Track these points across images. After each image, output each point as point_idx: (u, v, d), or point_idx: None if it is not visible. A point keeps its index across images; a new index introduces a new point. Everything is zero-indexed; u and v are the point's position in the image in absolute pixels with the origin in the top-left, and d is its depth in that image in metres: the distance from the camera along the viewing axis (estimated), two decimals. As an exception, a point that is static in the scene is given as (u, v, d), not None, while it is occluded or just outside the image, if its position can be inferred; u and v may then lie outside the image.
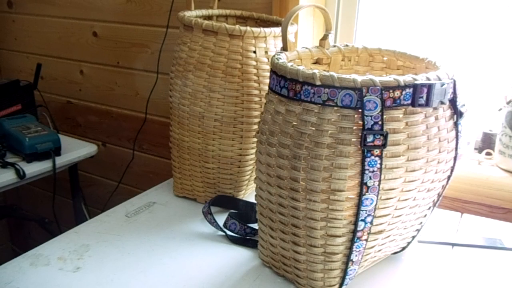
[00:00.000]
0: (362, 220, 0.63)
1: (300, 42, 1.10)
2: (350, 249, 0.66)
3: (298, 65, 0.64)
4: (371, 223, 0.64)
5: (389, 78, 0.58)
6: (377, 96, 0.58)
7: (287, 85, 0.64)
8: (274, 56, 0.69)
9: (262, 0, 1.13)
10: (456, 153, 0.69)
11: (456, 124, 0.67)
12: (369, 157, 0.60)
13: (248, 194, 1.01)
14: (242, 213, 0.91)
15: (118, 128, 1.54)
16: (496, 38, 1.03)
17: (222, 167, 0.94)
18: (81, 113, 1.62)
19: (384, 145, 0.60)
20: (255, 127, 0.91)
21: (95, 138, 1.60)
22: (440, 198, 0.73)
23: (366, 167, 0.60)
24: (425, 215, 0.74)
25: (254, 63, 0.88)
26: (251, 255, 0.81)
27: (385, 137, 0.59)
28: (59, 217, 1.33)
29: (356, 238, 0.65)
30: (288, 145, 0.64)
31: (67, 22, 1.54)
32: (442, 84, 0.61)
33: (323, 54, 0.81)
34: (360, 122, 0.59)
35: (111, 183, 1.61)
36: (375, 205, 0.63)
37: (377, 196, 0.62)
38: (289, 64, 0.64)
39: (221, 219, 0.87)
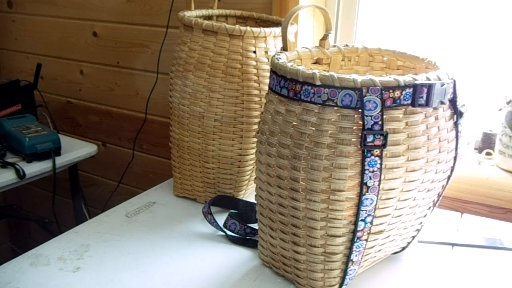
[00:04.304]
0: (362, 220, 0.63)
1: (300, 42, 1.10)
2: (350, 249, 0.66)
3: (298, 65, 0.64)
4: (371, 223, 0.64)
5: (389, 78, 0.58)
6: (377, 96, 0.58)
7: (287, 85, 0.64)
8: (274, 56, 0.69)
9: (262, 0, 1.13)
10: (456, 153, 0.69)
11: (456, 124, 0.67)
12: (369, 157, 0.60)
13: (248, 194, 1.01)
14: (242, 213, 0.91)
15: (118, 128, 1.54)
16: (496, 38, 1.03)
17: (222, 167, 0.94)
18: (81, 113, 1.62)
19: (384, 145, 0.60)
20: (255, 127, 0.91)
21: (95, 138, 1.60)
22: (440, 198, 0.73)
23: (366, 167, 0.60)
24: (425, 215, 0.74)
25: (254, 63, 0.88)
26: (251, 255, 0.81)
27: (385, 137, 0.59)
28: (59, 217, 1.33)
29: (356, 238, 0.65)
30: (288, 145, 0.64)
31: (67, 22, 1.54)
32: (442, 84, 0.61)
33: (323, 54, 0.81)
34: (360, 122, 0.59)
35: (111, 183, 1.61)
36: (375, 205, 0.63)
37: (377, 196, 0.62)
38: (289, 64, 0.64)
39: (221, 219, 0.87)
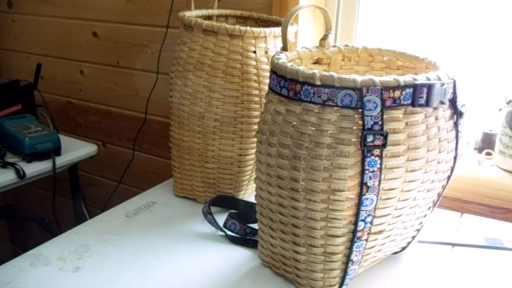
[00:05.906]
0: (362, 220, 0.63)
1: (300, 42, 1.10)
2: (350, 249, 0.66)
3: (298, 65, 0.64)
4: (371, 223, 0.64)
5: (389, 78, 0.58)
6: (377, 96, 0.58)
7: (287, 85, 0.64)
8: (274, 56, 0.69)
9: (262, 0, 1.13)
10: (456, 153, 0.69)
11: (456, 124, 0.67)
12: (369, 157, 0.60)
13: (248, 194, 1.01)
14: (242, 213, 0.91)
15: (118, 128, 1.54)
16: (496, 38, 1.03)
17: (222, 167, 0.94)
18: (81, 113, 1.62)
19: (384, 145, 0.60)
20: (255, 127, 0.91)
21: (95, 138, 1.60)
22: (440, 198, 0.73)
23: (366, 167, 0.60)
24: (425, 215, 0.74)
25: (254, 63, 0.88)
26: (251, 255, 0.81)
27: (385, 137, 0.59)
28: (59, 217, 1.33)
29: (356, 238, 0.65)
30: (288, 145, 0.64)
31: (67, 22, 1.54)
32: (442, 84, 0.61)
33: (323, 54, 0.81)
34: (360, 122, 0.59)
35: (111, 183, 1.61)
36: (375, 205, 0.63)
37: (377, 196, 0.62)
38: (289, 64, 0.64)
39: (221, 219, 0.87)
